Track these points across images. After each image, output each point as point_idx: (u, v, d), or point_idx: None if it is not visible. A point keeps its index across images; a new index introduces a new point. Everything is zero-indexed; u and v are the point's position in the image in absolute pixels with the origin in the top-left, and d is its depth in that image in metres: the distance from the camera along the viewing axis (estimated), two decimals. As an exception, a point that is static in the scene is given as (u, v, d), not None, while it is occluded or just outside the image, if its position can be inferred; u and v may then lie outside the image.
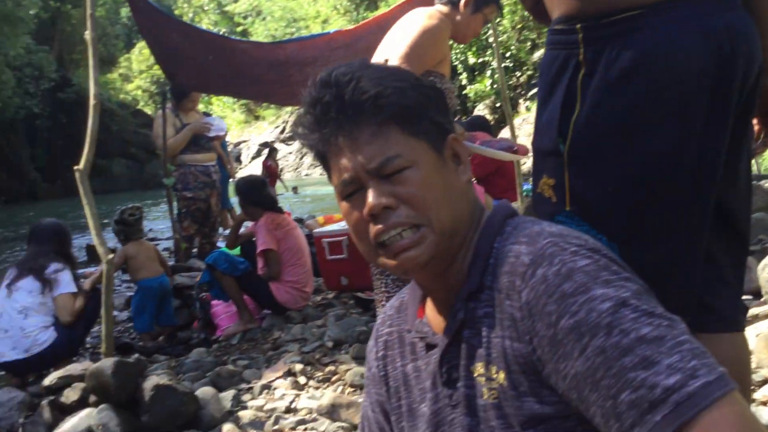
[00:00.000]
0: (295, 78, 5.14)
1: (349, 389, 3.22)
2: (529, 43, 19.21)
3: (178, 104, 6.05)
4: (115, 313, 5.60)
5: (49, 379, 3.22)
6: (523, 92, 19.47)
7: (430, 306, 1.16)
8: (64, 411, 3.09)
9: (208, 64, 5.11)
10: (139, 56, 45.15)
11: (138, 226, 5.10)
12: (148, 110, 41.87)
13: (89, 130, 3.12)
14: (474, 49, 18.53)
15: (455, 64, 19.63)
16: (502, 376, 0.96)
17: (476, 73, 19.55)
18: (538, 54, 18.14)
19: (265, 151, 15.87)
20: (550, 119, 1.35)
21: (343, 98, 1.01)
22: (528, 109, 18.50)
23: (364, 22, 4.90)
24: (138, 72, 45.63)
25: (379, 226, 1.02)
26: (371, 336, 1.30)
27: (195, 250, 6.37)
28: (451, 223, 1.03)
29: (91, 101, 3.11)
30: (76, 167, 3.16)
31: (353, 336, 3.92)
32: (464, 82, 19.72)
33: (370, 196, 1.01)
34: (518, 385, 0.95)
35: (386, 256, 1.04)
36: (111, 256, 3.18)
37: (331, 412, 2.83)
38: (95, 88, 3.15)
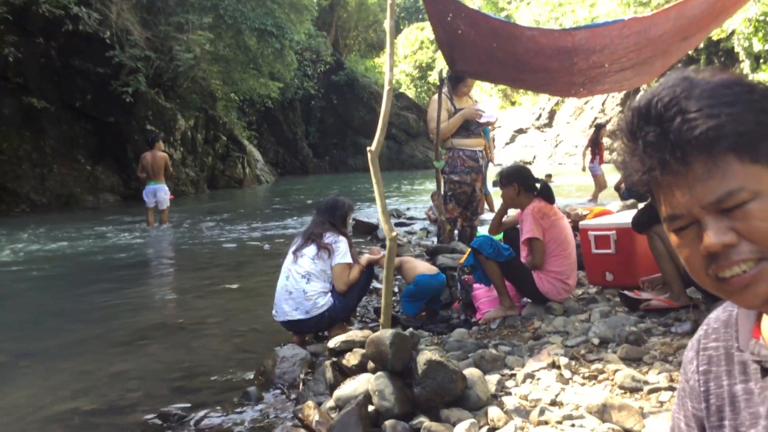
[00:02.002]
0: (579, 66, 5.03)
1: (618, 391, 3.11)
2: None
3: (453, 89, 6.23)
4: (378, 286, 5.95)
5: (333, 342, 3.51)
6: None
7: (767, 325, 1.07)
8: (344, 373, 3.36)
9: (491, 51, 5.17)
10: (405, 42, 47.11)
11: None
12: (410, 93, 43.62)
13: (382, 113, 3.32)
14: (761, 34, 16.77)
15: (737, 50, 17.92)
16: None
17: (762, 60, 17.70)
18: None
19: (590, 130, 16.37)
20: None
21: (670, 137, 0.92)
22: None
23: (662, 9, 4.63)
24: (403, 57, 47.68)
25: (719, 264, 0.94)
26: (689, 347, 1.23)
27: (456, 232, 6.54)
28: None
29: (386, 86, 3.30)
30: (368, 148, 3.38)
31: (621, 335, 3.78)
32: (746, 70, 17.95)
33: (710, 236, 0.93)
34: None
35: (726, 291, 0.97)
36: (395, 233, 3.37)
37: (602, 411, 2.75)
38: (390, 74, 3.34)
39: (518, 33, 4.95)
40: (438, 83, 6.43)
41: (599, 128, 14.18)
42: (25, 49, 17.40)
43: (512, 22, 5.78)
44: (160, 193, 12.74)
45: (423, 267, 5.20)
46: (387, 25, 3.45)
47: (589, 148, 13.97)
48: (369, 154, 3.40)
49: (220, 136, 24.64)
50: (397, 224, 11.12)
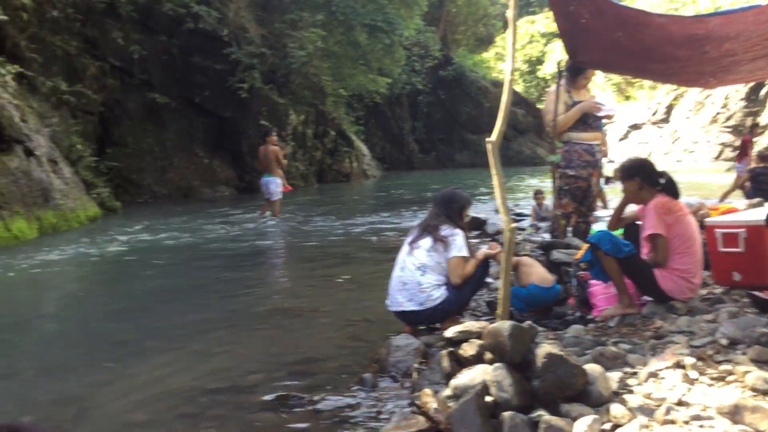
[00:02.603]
0: (711, 55, 4.79)
1: (750, 392, 2.96)
2: None
3: (571, 81, 6.09)
4: (489, 279, 5.90)
5: (450, 332, 3.51)
6: None
7: None
8: (460, 363, 3.35)
9: (616, 40, 5.01)
10: (514, 36, 46.34)
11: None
12: (519, 88, 42.93)
13: (503, 105, 3.29)
14: None
15: None
16: None
17: None
18: None
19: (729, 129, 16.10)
20: None
21: None
22: None
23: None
24: (512, 51, 46.95)
25: None
26: None
27: (570, 228, 6.41)
28: None
29: (507, 76, 3.27)
30: (488, 139, 3.36)
31: (752, 337, 3.58)
32: None
33: None
34: None
35: None
36: (513, 225, 3.34)
37: (734, 413, 2.63)
38: (511, 63, 3.31)
39: (647, 21, 4.77)
40: (556, 74, 6.30)
41: (753, 128, 13.61)
42: (149, 46, 18.36)
43: (641, 10, 5.57)
44: (271, 186, 13.19)
45: (539, 274, 5.04)
46: (509, 13, 3.42)
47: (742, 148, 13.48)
48: (489, 146, 3.38)
49: (329, 131, 25.13)
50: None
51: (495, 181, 3.35)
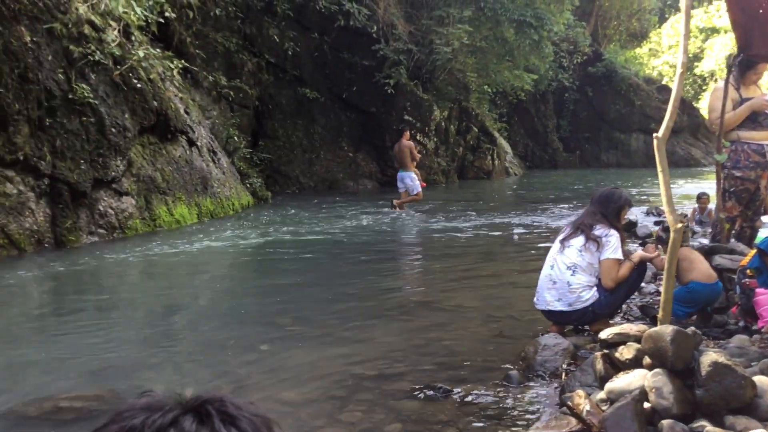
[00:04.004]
0: None
1: None
2: None
3: (740, 76, 5.70)
4: (642, 284, 5.64)
5: (605, 333, 3.40)
6: None
7: None
8: (615, 366, 3.24)
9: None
10: (669, 31, 44.18)
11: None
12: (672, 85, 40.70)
13: (672, 98, 3.13)
14: None
15: None
16: None
17: None
18: None
19: None
20: None
21: None
22: None
23: None
24: (667, 47, 44.76)
25: None
26: None
27: (733, 232, 6.01)
28: None
29: (678, 69, 3.11)
30: (655, 134, 3.21)
31: None
32: None
33: None
34: None
35: None
36: (680, 225, 3.18)
37: None
38: (684, 56, 3.14)
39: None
40: (726, 69, 5.91)
41: None
42: (302, 43, 19.06)
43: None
44: (406, 180, 13.48)
45: (701, 269, 4.72)
46: (682, 2, 3.24)
47: None
48: (656, 141, 3.23)
49: (471, 128, 25.01)
50: (657, 222, 10.49)
51: (661, 178, 3.20)
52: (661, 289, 3.36)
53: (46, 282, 7.14)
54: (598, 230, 4.59)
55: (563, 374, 3.85)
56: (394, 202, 13.63)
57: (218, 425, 0.64)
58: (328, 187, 19.33)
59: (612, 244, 4.54)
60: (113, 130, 9.62)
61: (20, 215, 8.08)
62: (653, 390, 2.85)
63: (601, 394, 3.04)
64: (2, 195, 7.89)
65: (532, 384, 3.87)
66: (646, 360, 3.03)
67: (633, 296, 5.32)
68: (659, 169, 3.24)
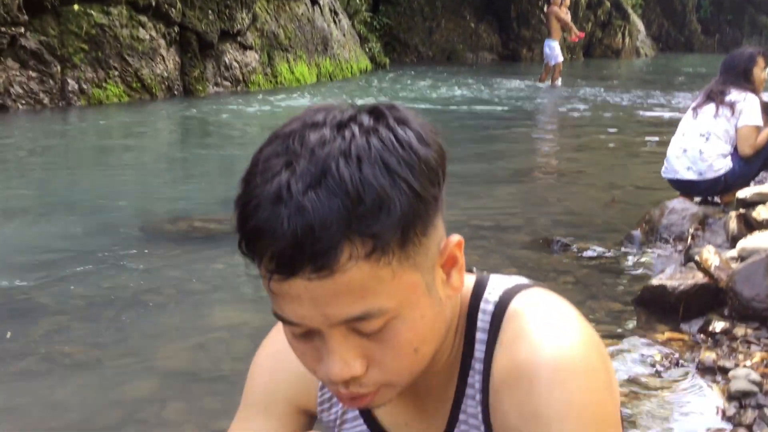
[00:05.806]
0: None
1: None
2: None
3: None
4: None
5: (744, 193, 3.26)
6: None
7: None
8: (750, 227, 3.11)
9: None
10: None
11: None
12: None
13: None
14: None
15: None
16: None
17: None
18: None
19: None
20: None
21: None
22: None
23: None
24: None
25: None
26: None
27: None
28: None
29: None
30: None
31: None
32: None
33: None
34: None
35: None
36: None
37: None
38: None
39: None
40: None
41: None
42: None
43: None
44: (545, 49, 12.99)
45: None
46: None
47: None
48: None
49: (604, 2, 23.52)
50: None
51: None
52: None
53: (180, 125, 7.53)
54: (731, 95, 4.27)
55: (689, 238, 3.74)
56: (541, 76, 13.26)
57: (392, 122, 0.68)
58: (447, 57, 18.91)
59: (749, 108, 4.23)
60: (240, -19, 9.68)
61: (152, 61, 8.41)
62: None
63: (732, 252, 2.94)
64: (136, 39, 8.20)
65: (655, 246, 3.78)
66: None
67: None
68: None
